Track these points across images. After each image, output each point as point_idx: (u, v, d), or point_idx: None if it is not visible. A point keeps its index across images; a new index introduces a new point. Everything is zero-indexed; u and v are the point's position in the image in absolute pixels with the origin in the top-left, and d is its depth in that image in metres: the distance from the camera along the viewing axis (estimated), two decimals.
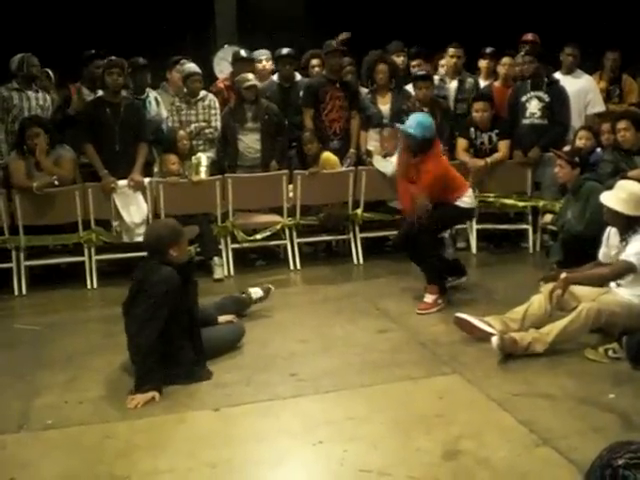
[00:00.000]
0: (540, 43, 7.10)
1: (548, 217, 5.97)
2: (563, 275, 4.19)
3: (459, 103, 6.97)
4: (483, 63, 7.17)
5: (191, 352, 3.89)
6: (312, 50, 7.11)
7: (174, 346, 3.81)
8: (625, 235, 4.16)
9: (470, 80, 7.05)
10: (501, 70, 6.92)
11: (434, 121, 5.18)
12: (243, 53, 6.91)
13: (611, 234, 4.31)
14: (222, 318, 4.46)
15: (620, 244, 4.19)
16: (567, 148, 5.89)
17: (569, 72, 6.76)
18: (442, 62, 7.22)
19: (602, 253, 4.37)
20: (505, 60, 6.87)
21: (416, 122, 4.97)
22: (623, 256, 4.09)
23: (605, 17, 8.93)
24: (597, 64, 7.12)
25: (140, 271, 3.88)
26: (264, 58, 7.01)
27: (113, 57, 6.09)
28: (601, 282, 4.13)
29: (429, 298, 5.02)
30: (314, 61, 6.98)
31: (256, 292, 4.97)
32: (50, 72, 6.77)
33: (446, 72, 7.12)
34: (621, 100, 6.95)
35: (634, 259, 4.01)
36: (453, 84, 7.06)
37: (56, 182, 5.74)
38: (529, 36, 7.19)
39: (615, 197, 4.16)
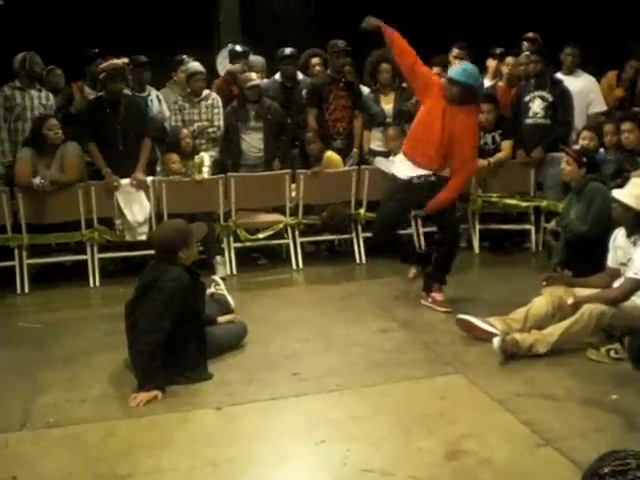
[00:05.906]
0: (542, 42, 7.07)
1: (553, 223, 5.93)
2: (571, 300, 4.16)
3: None
4: (491, 63, 7.14)
5: (195, 353, 3.90)
6: (311, 49, 7.10)
7: (179, 346, 3.81)
8: (634, 234, 4.12)
9: None
10: (504, 70, 6.89)
11: None
12: (238, 48, 6.92)
13: (618, 236, 4.27)
14: (222, 318, 4.45)
15: (628, 245, 4.15)
16: (577, 147, 5.85)
17: (569, 72, 6.73)
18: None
19: (611, 258, 4.33)
20: (509, 60, 6.83)
21: (462, 69, 4.83)
22: (630, 273, 4.04)
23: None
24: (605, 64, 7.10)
25: (150, 272, 3.89)
26: (258, 68, 6.98)
27: (114, 60, 6.01)
28: (611, 304, 4.01)
29: (436, 295, 5.02)
30: (314, 60, 6.97)
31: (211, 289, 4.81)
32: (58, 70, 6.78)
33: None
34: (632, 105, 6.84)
35: None
36: None
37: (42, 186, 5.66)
38: (530, 35, 7.16)
39: (628, 192, 4.11)
